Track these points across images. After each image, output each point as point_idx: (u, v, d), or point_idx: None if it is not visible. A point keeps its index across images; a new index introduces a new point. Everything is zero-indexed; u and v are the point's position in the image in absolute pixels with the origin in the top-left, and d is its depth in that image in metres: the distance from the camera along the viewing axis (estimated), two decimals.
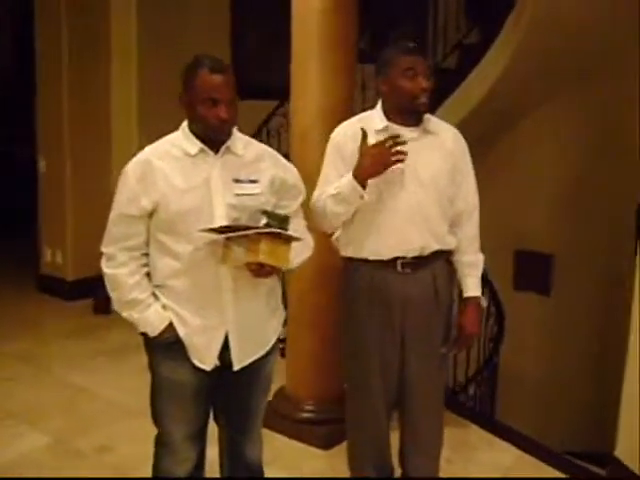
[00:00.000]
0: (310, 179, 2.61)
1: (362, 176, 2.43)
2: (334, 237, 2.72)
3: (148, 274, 2.29)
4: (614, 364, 5.32)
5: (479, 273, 2.73)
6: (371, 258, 2.58)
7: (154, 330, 2.26)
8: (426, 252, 2.58)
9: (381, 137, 2.50)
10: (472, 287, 2.71)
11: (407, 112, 2.55)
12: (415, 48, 2.54)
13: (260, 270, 2.18)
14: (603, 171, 5.42)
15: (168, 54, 5.68)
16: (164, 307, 2.26)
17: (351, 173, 2.45)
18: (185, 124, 2.30)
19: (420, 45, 2.63)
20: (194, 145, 2.24)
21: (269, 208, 2.27)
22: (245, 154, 2.31)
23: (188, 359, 2.27)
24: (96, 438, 3.68)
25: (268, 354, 2.40)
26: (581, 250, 5.66)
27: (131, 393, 4.24)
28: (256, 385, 2.42)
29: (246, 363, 2.32)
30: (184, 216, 2.19)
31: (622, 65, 4.87)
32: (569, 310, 5.67)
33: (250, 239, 2.11)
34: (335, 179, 2.56)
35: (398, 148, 2.39)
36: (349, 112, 3.48)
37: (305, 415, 3.65)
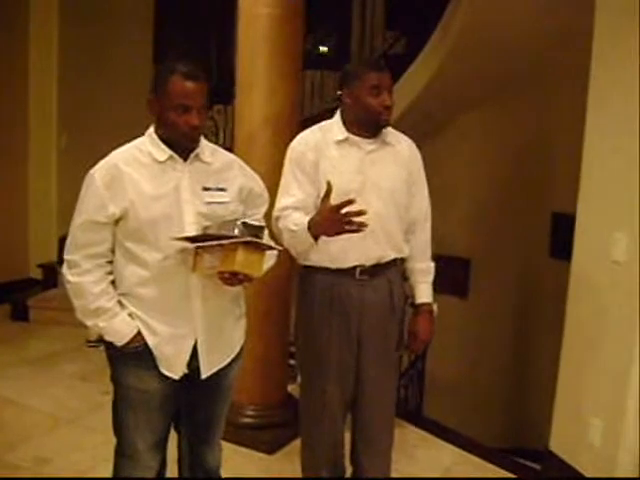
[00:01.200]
0: None
1: (316, 231, 2.44)
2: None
3: (113, 282, 2.25)
4: (532, 363, 5.60)
5: (431, 280, 2.81)
6: (331, 267, 2.61)
7: (121, 339, 2.22)
8: (383, 261, 2.64)
9: (341, 149, 2.57)
10: (425, 294, 2.78)
11: (369, 126, 2.59)
12: (381, 64, 2.60)
13: (233, 278, 2.17)
14: (521, 179, 5.66)
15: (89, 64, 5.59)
16: (131, 316, 2.23)
17: (306, 222, 2.45)
18: (152, 130, 2.26)
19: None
20: (162, 152, 2.22)
21: (237, 216, 2.28)
22: (213, 162, 2.30)
23: (156, 368, 2.24)
24: (31, 450, 3.55)
25: (233, 361, 2.40)
26: (497, 254, 5.90)
27: (59, 402, 4.15)
28: (220, 393, 2.41)
29: (213, 371, 2.32)
30: (154, 224, 2.17)
31: (547, 76, 5.09)
32: (487, 312, 5.89)
33: (225, 248, 2.11)
34: (296, 190, 2.58)
35: (357, 220, 2.31)
36: (295, 117, 3.54)
37: (247, 420, 3.65)
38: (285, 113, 3.44)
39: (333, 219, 2.33)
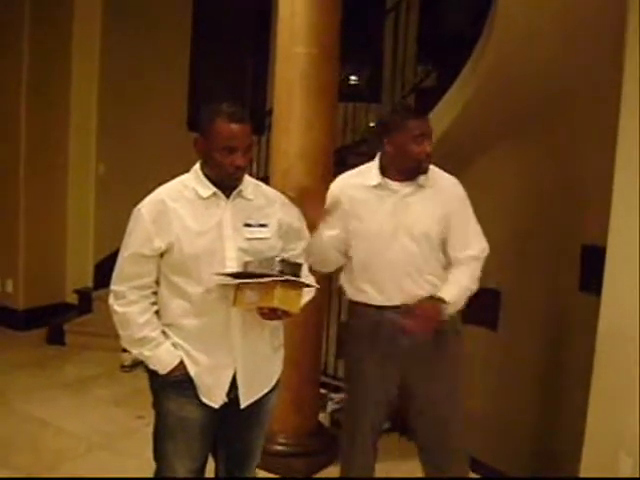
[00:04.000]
0: None
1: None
2: (340, 282, 2.87)
3: (157, 312, 2.34)
4: (562, 396, 5.57)
5: (460, 292, 2.74)
6: (372, 303, 2.72)
7: (165, 368, 2.31)
8: (424, 297, 2.69)
9: (376, 193, 2.70)
10: (445, 290, 2.71)
11: (410, 172, 2.69)
12: (423, 112, 2.73)
13: (272, 314, 2.26)
14: (551, 214, 5.67)
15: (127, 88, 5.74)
16: (174, 345, 2.32)
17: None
18: (197, 166, 2.36)
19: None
20: (207, 189, 2.32)
21: (277, 252, 2.36)
22: (255, 198, 2.40)
23: (196, 396, 2.33)
24: (67, 473, 3.64)
25: (271, 391, 2.48)
26: (527, 287, 5.90)
27: (94, 426, 4.23)
28: (257, 421, 2.49)
29: (252, 401, 2.40)
30: (197, 258, 2.26)
31: (576, 107, 5.10)
32: (516, 344, 5.89)
33: (265, 285, 2.20)
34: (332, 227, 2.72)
35: None
36: (330, 151, 3.65)
37: (279, 448, 3.71)
38: (320, 148, 3.54)
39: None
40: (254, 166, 5.48)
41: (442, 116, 5.40)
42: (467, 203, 2.82)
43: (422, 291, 2.69)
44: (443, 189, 2.76)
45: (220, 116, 2.25)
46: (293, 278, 2.23)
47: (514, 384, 5.85)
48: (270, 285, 2.20)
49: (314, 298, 2.55)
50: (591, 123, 4.53)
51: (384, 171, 2.72)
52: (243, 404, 2.37)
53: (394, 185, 2.69)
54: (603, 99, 3.24)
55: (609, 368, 3.27)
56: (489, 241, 6.18)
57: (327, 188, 3.60)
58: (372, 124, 6.06)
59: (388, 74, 6.23)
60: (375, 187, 2.71)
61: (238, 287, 2.25)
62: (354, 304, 2.81)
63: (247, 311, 2.29)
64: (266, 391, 2.45)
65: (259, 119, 3.71)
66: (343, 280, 2.85)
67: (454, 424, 2.86)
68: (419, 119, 2.66)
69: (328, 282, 4.92)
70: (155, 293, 2.35)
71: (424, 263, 2.70)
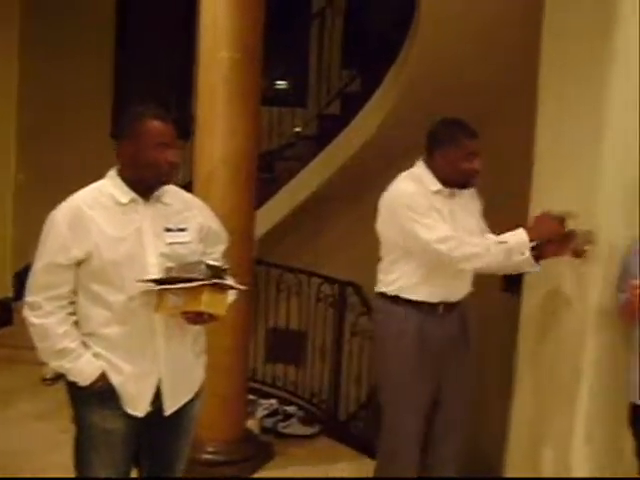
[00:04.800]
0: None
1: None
2: (381, 283, 2.95)
3: (76, 322, 2.28)
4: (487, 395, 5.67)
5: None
6: (420, 300, 2.83)
7: (86, 380, 2.25)
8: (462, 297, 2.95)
9: (437, 197, 2.81)
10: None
11: (457, 185, 2.84)
12: (476, 132, 2.82)
13: (197, 318, 2.24)
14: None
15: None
16: (95, 356, 2.26)
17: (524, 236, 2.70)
18: (114, 172, 2.31)
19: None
20: (125, 194, 2.27)
21: (198, 256, 2.34)
22: (173, 203, 2.37)
23: (120, 407, 2.27)
24: None
25: (194, 398, 2.44)
26: None
27: (15, 442, 4.09)
28: (182, 429, 2.45)
29: (176, 408, 2.36)
30: (117, 266, 2.21)
31: (510, 113, 5.19)
32: None
33: (191, 289, 2.18)
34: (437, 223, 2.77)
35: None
36: (254, 156, 3.64)
37: (207, 457, 3.67)
38: (244, 153, 3.54)
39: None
40: (180, 172, 5.43)
41: (368, 120, 5.47)
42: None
43: (466, 291, 2.97)
44: (474, 196, 3.01)
45: (147, 116, 2.25)
46: (221, 281, 2.22)
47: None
48: (196, 289, 2.18)
49: (241, 301, 2.53)
50: (513, 138, 4.63)
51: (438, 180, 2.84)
52: (167, 412, 2.33)
53: (449, 192, 2.85)
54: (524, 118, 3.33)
55: (531, 366, 3.34)
56: None
57: (250, 193, 3.63)
58: (298, 129, 6.08)
59: (314, 79, 6.27)
60: (436, 192, 2.83)
61: (160, 293, 2.21)
62: (396, 301, 2.87)
63: (170, 317, 2.26)
64: (190, 397, 2.41)
65: (184, 125, 3.67)
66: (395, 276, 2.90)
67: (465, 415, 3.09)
68: (473, 138, 2.80)
69: (255, 286, 4.93)
70: (72, 303, 2.27)
71: None
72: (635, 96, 2.93)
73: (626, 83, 2.90)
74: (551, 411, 3.20)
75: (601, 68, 2.92)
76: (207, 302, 2.18)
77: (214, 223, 2.52)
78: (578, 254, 2.79)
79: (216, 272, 2.23)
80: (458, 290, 2.93)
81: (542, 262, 3.22)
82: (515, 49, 4.18)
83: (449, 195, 2.84)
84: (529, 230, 2.71)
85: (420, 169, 2.87)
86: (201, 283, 2.17)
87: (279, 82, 7.09)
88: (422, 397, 2.90)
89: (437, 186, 2.82)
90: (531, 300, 3.36)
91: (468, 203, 2.94)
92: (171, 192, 2.39)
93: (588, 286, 3.01)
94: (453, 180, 2.82)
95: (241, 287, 2.34)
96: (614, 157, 2.95)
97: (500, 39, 4.42)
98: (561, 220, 2.71)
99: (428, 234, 2.71)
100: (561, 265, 3.11)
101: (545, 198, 3.24)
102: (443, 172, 2.81)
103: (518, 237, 2.69)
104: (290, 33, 6.20)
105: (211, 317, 2.26)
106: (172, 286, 2.19)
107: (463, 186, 2.85)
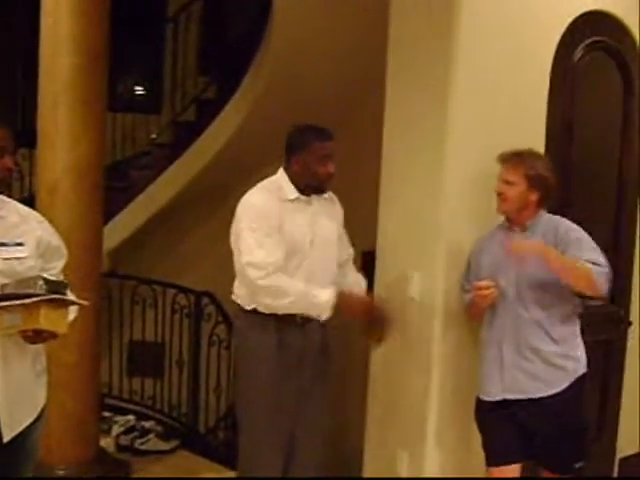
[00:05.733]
0: (61, 235, 2.52)
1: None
2: (234, 295, 2.88)
3: None
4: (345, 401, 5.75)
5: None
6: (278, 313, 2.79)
7: None
8: None
9: (294, 205, 2.81)
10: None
11: (311, 189, 2.84)
12: (330, 134, 2.82)
13: (37, 336, 2.13)
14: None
15: None
16: None
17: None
18: None
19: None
20: None
21: (36, 272, 2.23)
22: (8, 216, 2.25)
23: None
24: None
25: (36, 420, 2.32)
26: None
27: None
28: (24, 455, 2.32)
29: (16, 432, 2.23)
30: None
31: (355, 122, 5.29)
32: None
33: (28, 306, 2.07)
34: (272, 246, 2.71)
35: None
36: (100, 164, 3.53)
37: None
38: (89, 162, 3.42)
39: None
40: (26, 181, 5.18)
41: (223, 129, 5.43)
42: None
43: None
44: (335, 203, 3.03)
45: None
46: (59, 297, 2.12)
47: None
48: (34, 306, 2.07)
49: (87, 317, 2.42)
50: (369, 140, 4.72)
51: (296, 188, 2.83)
52: (6, 437, 2.20)
53: (308, 199, 2.86)
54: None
55: (385, 368, 3.41)
56: None
57: (98, 203, 3.51)
58: (154, 136, 5.95)
59: (168, 85, 6.16)
60: (293, 201, 2.82)
61: None
62: (254, 315, 2.83)
63: (7, 337, 2.14)
64: (31, 421, 2.29)
65: (30, 134, 3.50)
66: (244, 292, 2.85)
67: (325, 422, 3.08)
68: (327, 141, 2.81)
69: (109, 299, 4.77)
70: None
71: (331, 268, 2.93)
72: (477, 100, 3.07)
73: (467, 87, 3.03)
74: (403, 413, 3.27)
75: (442, 72, 3.03)
76: (46, 319, 2.08)
77: (53, 237, 2.40)
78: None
79: (55, 287, 2.13)
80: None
81: (391, 264, 3.34)
82: (368, 61, 4.28)
83: (306, 202, 2.85)
84: (342, 303, 2.77)
85: (279, 176, 2.88)
86: (39, 299, 2.07)
87: (137, 88, 6.93)
88: (282, 406, 2.87)
89: (294, 194, 2.83)
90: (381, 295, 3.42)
91: (328, 209, 2.96)
92: (5, 204, 2.27)
93: (434, 287, 3.11)
94: (309, 185, 2.83)
95: (83, 302, 2.24)
96: (456, 161, 3.08)
97: (353, 52, 4.53)
98: (373, 307, 2.88)
99: (247, 254, 2.72)
100: (408, 268, 3.20)
101: (392, 203, 3.33)
102: (299, 178, 2.82)
103: (329, 297, 2.75)
104: (145, 38, 6.08)
105: (52, 335, 2.15)
106: (7, 303, 2.07)
107: (319, 190, 2.87)
